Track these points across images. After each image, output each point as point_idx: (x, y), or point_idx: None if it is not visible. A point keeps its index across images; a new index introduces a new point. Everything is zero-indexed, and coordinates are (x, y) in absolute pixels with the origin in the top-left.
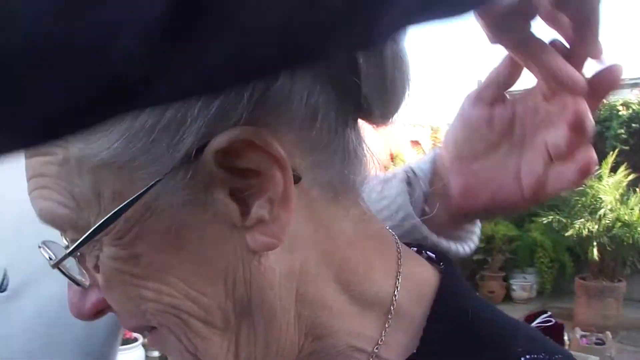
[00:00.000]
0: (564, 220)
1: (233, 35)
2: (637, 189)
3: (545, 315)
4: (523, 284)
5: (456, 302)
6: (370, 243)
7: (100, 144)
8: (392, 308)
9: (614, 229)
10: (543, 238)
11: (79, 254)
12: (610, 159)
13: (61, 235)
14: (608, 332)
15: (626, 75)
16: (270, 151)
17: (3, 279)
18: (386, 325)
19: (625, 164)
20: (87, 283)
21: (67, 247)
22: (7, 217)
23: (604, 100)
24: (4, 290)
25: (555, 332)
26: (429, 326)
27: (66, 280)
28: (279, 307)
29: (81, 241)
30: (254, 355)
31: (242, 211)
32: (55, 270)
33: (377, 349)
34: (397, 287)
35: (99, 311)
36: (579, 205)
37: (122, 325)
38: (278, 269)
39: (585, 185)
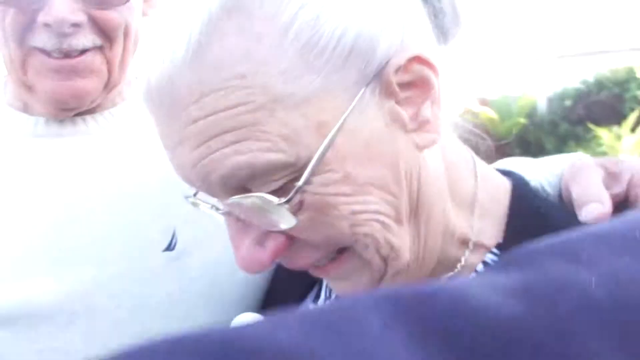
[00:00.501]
0: None
1: None
2: None
3: None
4: None
5: (530, 201)
6: (458, 147)
7: (301, 82)
8: (476, 204)
9: None
10: None
11: (282, 199)
12: (630, 119)
13: (241, 189)
14: None
15: None
16: (430, 61)
17: (172, 239)
18: (476, 219)
19: None
20: (287, 225)
21: (256, 197)
22: (175, 180)
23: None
24: (172, 249)
25: None
26: (509, 220)
27: (229, 241)
28: (437, 199)
29: (309, 172)
30: (426, 244)
31: (410, 116)
32: (220, 233)
33: (474, 237)
34: (478, 187)
35: (275, 259)
36: None
37: (298, 266)
38: (434, 166)
39: (606, 145)
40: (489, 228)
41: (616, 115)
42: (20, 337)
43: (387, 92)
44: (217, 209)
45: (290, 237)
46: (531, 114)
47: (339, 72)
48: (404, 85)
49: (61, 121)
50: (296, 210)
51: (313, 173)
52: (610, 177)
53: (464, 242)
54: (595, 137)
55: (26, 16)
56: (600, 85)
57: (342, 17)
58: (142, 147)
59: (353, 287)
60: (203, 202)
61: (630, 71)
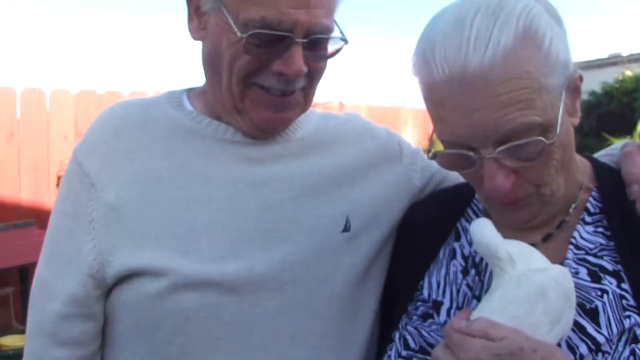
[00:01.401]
0: None
1: None
2: None
3: None
4: None
5: (606, 166)
6: None
7: (549, 80)
8: (578, 167)
9: None
10: None
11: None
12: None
13: (486, 148)
14: None
15: None
16: (582, 77)
17: (346, 223)
18: (581, 178)
19: None
20: (541, 155)
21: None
22: (346, 176)
23: (631, 73)
24: (348, 230)
25: None
26: (597, 174)
27: (385, 216)
28: (575, 157)
29: (557, 131)
30: (567, 180)
31: (572, 107)
32: (377, 214)
33: (583, 185)
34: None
35: (511, 188)
36: None
37: (513, 196)
38: (573, 136)
39: None
40: (586, 178)
41: (627, 124)
42: (244, 300)
43: (568, 92)
44: (479, 154)
45: (516, 177)
46: None
47: (559, 78)
48: (572, 90)
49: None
50: (539, 153)
51: (557, 132)
52: None
53: (580, 186)
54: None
55: (260, 63)
56: (609, 96)
57: (562, 45)
58: (316, 154)
59: (524, 214)
60: (456, 153)
61: (638, 80)
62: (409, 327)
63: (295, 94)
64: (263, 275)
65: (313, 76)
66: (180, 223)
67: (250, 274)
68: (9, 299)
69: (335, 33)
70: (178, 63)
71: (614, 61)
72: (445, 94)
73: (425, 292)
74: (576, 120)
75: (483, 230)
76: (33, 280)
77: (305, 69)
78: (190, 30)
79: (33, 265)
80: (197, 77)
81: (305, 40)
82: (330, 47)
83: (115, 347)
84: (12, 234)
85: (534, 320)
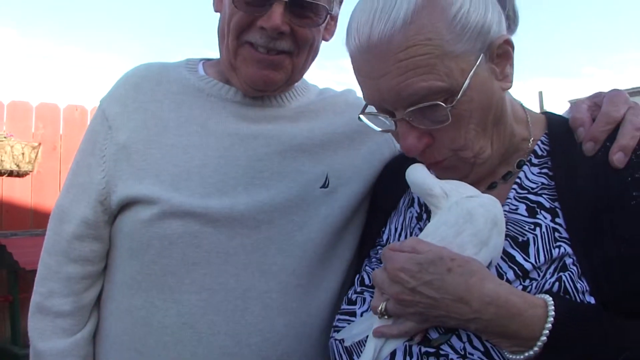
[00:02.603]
0: None
1: None
2: None
3: None
4: None
5: (560, 118)
6: (515, 99)
7: (456, 46)
8: (528, 119)
9: None
10: None
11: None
12: None
13: (399, 111)
14: None
15: None
16: (511, 42)
17: (325, 180)
18: (526, 132)
19: None
20: (441, 122)
21: (414, 112)
22: (327, 140)
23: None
24: (327, 187)
25: None
26: (549, 126)
27: (363, 178)
28: (507, 118)
29: (459, 95)
30: (495, 145)
31: (499, 72)
32: (355, 176)
33: (531, 138)
34: (527, 113)
35: (423, 148)
36: None
37: (432, 159)
38: (506, 101)
39: None
40: (538, 133)
41: None
42: (222, 232)
43: (491, 57)
44: (393, 116)
45: (431, 139)
46: None
47: (473, 43)
48: (498, 55)
49: (253, 97)
50: (446, 117)
51: (459, 96)
52: (594, 105)
53: (525, 139)
54: None
55: (248, 19)
56: None
57: (478, 12)
58: (306, 119)
59: (452, 176)
60: (376, 116)
61: None
62: (367, 268)
63: (280, 57)
64: (242, 213)
65: (299, 42)
66: (176, 163)
67: (230, 210)
68: None
69: (323, 3)
70: None
71: None
72: (359, 62)
73: (385, 237)
74: (507, 84)
75: (417, 173)
76: (53, 209)
77: (285, 28)
78: (214, 3)
79: None
80: None
81: (286, 0)
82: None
83: (113, 267)
84: None
85: (461, 242)
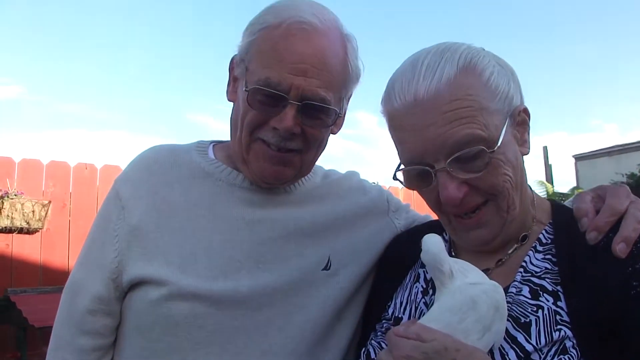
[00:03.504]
0: None
1: None
2: None
3: None
4: None
5: (564, 207)
6: None
7: (491, 104)
8: (535, 200)
9: None
10: None
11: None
12: None
13: (440, 158)
14: None
15: None
16: (528, 111)
17: (327, 262)
18: (534, 212)
19: None
20: (483, 166)
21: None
22: (335, 217)
23: None
24: (328, 269)
25: None
26: (554, 213)
27: (365, 259)
28: (526, 184)
29: (498, 145)
30: (520, 205)
31: (520, 137)
32: (357, 257)
33: (536, 219)
34: (533, 193)
35: (462, 197)
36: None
37: (470, 204)
38: (524, 166)
39: None
40: (543, 215)
41: None
42: (225, 315)
43: (514, 123)
44: (433, 168)
45: (469, 189)
46: None
47: (502, 104)
48: (518, 122)
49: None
50: (485, 164)
51: (498, 146)
52: (597, 197)
53: (533, 217)
54: None
55: (262, 118)
56: None
57: (504, 80)
58: (311, 204)
59: (485, 234)
60: (414, 168)
61: None
62: (373, 342)
63: (292, 155)
64: (245, 295)
65: (309, 141)
66: (184, 247)
67: (234, 293)
68: None
69: (334, 107)
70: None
71: None
72: (402, 117)
73: (390, 311)
74: (525, 150)
75: (433, 244)
76: (67, 281)
77: (296, 129)
78: (227, 92)
79: None
80: None
81: (298, 103)
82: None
83: (122, 341)
84: (59, 297)
85: (465, 328)
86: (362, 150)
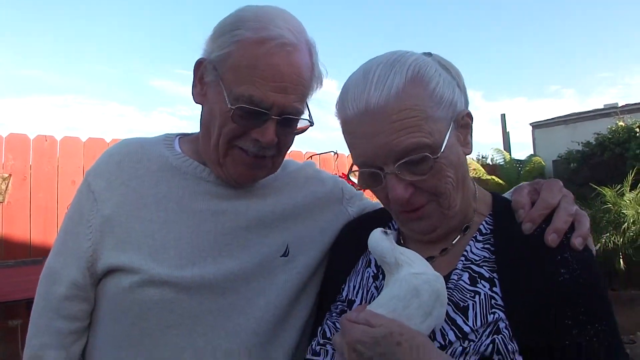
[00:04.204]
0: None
1: None
2: None
3: None
4: None
5: (503, 199)
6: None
7: (436, 112)
8: (477, 194)
9: (638, 241)
10: None
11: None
12: (630, 177)
13: (390, 165)
14: (639, 333)
15: None
16: (471, 115)
17: (286, 249)
18: (475, 204)
19: None
20: (427, 171)
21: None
22: (288, 215)
23: (623, 123)
24: (287, 255)
25: None
26: (494, 205)
27: (320, 246)
28: (469, 181)
29: (441, 151)
30: (462, 200)
31: (463, 139)
32: (313, 244)
33: (477, 209)
34: (475, 187)
35: (409, 197)
36: (604, 222)
37: (415, 205)
38: (466, 164)
39: (610, 203)
40: (484, 207)
41: (619, 174)
42: (193, 299)
43: (457, 127)
44: (382, 170)
45: (414, 190)
46: (539, 178)
47: (446, 112)
48: (462, 125)
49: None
50: (429, 168)
51: (441, 152)
52: (534, 191)
53: (474, 210)
54: (599, 195)
55: (243, 130)
56: (602, 146)
57: (449, 89)
58: (271, 195)
59: (426, 226)
60: (365, 170)
61: (630, 131)
62: (329, 322)
63: (265, 159)
64: (211, 281)
65: (281, 148)
66: (155, 237)
67: (201, 279)
68: (17, 331)
69: (305, 116)
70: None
71: (609, 112)
72: (354, 124)
73: (344, 294)
74: (468, 150)
75: (376, 240)
76: (42, 269)
77: (276, 140)
78: (193, 94)
79: None
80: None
81: (279, 118)
82: (299, 125)
83: (96, 325)
84: (22, 270)
85: (409, 313)
86: (322, 115)
